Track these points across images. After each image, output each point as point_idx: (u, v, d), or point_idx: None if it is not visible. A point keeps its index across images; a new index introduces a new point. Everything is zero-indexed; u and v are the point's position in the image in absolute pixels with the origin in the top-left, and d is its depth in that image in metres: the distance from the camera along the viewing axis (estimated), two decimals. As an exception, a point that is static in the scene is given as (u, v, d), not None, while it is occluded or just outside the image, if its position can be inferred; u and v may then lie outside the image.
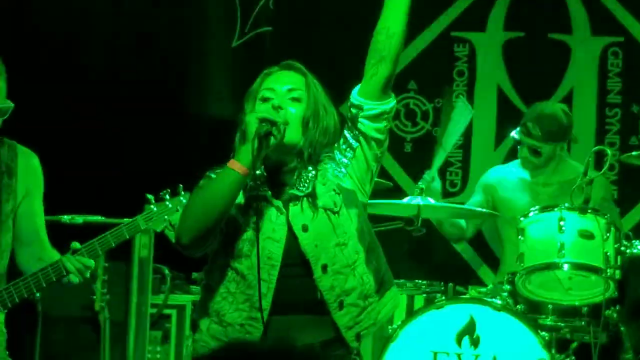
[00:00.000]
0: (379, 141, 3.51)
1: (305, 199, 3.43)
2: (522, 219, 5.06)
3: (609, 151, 5.18)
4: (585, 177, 5.04)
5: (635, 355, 5.07)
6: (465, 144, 6.60)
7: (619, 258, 4.92)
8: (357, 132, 3.50)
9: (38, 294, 4.03)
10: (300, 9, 6.61)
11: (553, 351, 4.88)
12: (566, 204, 4.98)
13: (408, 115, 6.64)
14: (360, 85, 3.52)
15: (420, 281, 5.56)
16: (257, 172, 3.42)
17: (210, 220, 3.33)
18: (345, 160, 3.51)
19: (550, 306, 5.05)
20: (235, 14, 6.59)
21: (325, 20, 6.58)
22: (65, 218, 5.13)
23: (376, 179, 3.62)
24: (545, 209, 5.06)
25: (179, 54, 6.55)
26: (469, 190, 6.55)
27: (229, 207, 3.35)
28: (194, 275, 5.71)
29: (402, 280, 5.48)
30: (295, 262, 3.42)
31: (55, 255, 3.94)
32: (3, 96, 3.86)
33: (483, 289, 5.37)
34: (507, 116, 6.55)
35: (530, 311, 5.05)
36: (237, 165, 3.32)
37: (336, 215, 3.44)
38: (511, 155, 6.23)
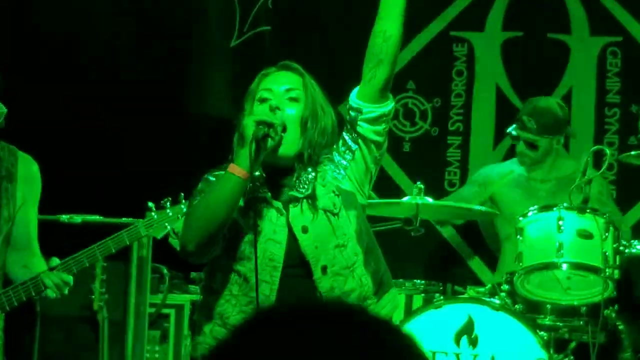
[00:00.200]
0: (378, 143, 3.51)
1: (305, 200, 3.44)
2: (520, 218, 5.06)
3: (607, 151, 5.18)
4: (584, 177, 5.04)
5: (634, 354, 5.07)
6: (464, 143, 6.60)
7: (617, 258, 4.92)
8: (356, 135, 3.50)
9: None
10: (299, 8, 6.61)
11: (551, 351, 4.89)
12: (565, 204, 4.98)
13: (407, 115, 6.64)
14: (358, 88, 3.52)
15: (418, 281, 5.56)
16: (256, 173, 3.42)
17: (215, 226, 3.33)
18: (344, 162, 3.52)
19: (548, 306, 5.05)
20: (234, 14, 6.59)
21: (324, 20, 6.58)
22: (64, 217, 5.13)
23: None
24: (543, 208, 5.06)
25: (179, 54, 6.55)
26: (468, 189, 6.55)
27: (232, 211, 3.35)
28: (193, 274, 5.71)
29: (400, 280, 5.48)
30: (296, 263, 3.42)
31: (41, 264, 3.97)
32: None
33: (481, 289, 5.37)
34: (505, 116, 6.55)
35: (529, 311, 5.05)
36: (237, 169, 3.32)
37: (335, 217, 3.45)
38: (510, 154, 6.24)
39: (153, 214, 4.03)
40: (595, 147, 5.45)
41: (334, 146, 3.54)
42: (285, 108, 3.44)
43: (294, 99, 3.47)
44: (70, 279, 3.91)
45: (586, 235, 4.91)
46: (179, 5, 6.55)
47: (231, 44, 6.60)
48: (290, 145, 3.42)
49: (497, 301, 4.99)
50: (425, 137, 6.64)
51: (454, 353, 4.89)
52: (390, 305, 3.58)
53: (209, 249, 3.39)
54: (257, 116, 3.37)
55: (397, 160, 6.59)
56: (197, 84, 6.60)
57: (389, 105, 3.50)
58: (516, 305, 5.04)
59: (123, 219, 4.75)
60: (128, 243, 4.02)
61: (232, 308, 3.44)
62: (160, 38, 6.49)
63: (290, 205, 3.44)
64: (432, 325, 4.92)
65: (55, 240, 4.29)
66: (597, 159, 5.47)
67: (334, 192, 3.47)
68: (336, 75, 6.30)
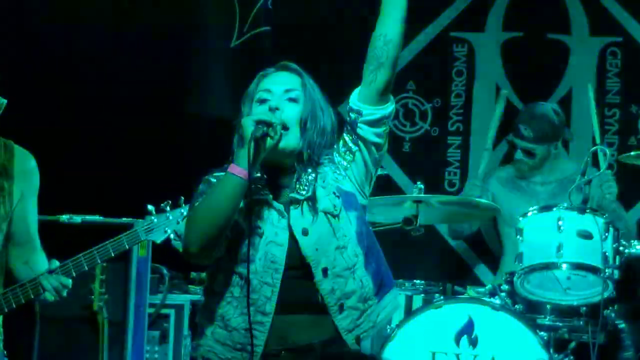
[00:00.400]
0: (378, 145, 3.51)
1: (305, 202, 3.44)
2: (520, 218, 5.06)
3: (607, 151, 5.18)
4: (583, 177, 5.05)
5: (636, 353, 5.08)
6: (464, 143, 6.60)
7: (617, 258, 4.92)
8: (356, 137, 3.50)
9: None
10: (299, 8, 6.61)
11: (551, 351, 4.89)
12: (565, 204, 4.98)
13: (406, 115, 6.64)
14: (358, 90, 3.52)
15: (418, 281, 5.56)
16: (257, 175, 3.42)
17: (217, 228, 3.33)
18: (344, 163, 3.52)
19: (548, 306, 5.06)
20: (234, 14, 6.59)
21: (324, 20, 6.57)
22: (64, 218, 5.13)
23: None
24: (543, 208, 5.06)
25: (179, 54, 6.55)
26: (468, 190, 6.55)
27: (234, 212, 3.35)
28: (193, 275, 5.71)
29: (400, 280, 5.48)
30: (297, 265, 3.42)
31: (42, 260, 3.96)
32: None
33: (481, 289, 5.37)
34: (505, 116, 6.55)
35: (529, 311, 5.05)
36: (237, 170, 3.32)
37: (336, 218, 3.45)
38: (509, 154, 6.24)
39: (153, 217, 4.02)
40: (595, 147, 5.45)
41: (335, 147, 3.54)
42: (284, 109, 3.44)
43: (293, 100, 3.47)
44: (69, 282, 3.91)
45: (586, 236, 4.91)
46: (179, 5, 6.55)
47: (231, 44, 6.60)
48: (289, 143, 3.42)
49: (497, 301, 4.99)
50: (425, 137, 6.64)
51: (454, 353, 4.89)
52: (391, 306, 3.58)
53: (212, 250, 3.38)
54: (256, 116, 3.37)
55: (397, 160, 6.59)
56: (197, 84, 6.60)
57: (389, 108, 3.50)
58: (516, 306, 5.04)
59: (123, 219, 4.75)
60: (127, 247, 4.01)
61: (234, 310, 3.44)
62: (160, 38, 6.49)
63: (291, 207, 3.44)
64: (432, 326, 4.92)
65: (55, 241, 4.28)
66: (597, 159, 5.46)
67: (334, 193, 3.47)
68: (335, 75, 6.30)
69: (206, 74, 6.61)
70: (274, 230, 3.42)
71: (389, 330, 4.88)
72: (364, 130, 3.49)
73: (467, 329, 4.91)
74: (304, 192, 3.44)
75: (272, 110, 3.41)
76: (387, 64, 3.45)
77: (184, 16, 6.55)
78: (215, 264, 3.50)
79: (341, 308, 3.42)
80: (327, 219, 3.44)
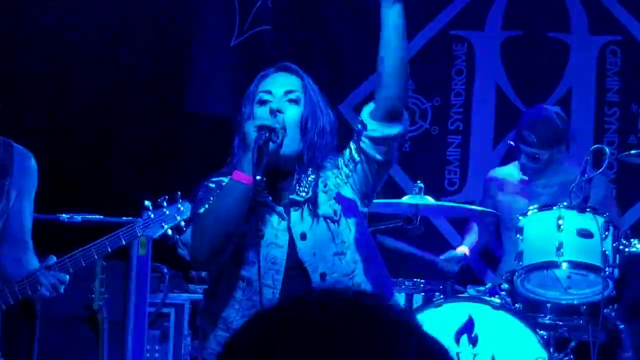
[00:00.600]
0: (379, 162, 3.50)
1: (306, 206, 3.43)
2: (520, 217, 5.05)
3: (607, 150, 5.17)
4: (583, 176, 5.04)
5: (635, 353, 5.07)
6: (464, 142, 6.60)
7: (617, 257, 4.92)
8: (359, 148, 3.49)
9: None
10: (299, 7, 6.60)
11: (551, 350, 4.88)
12: (565, 203, 4.97)
13: (406, 114, 6.63)
14: (370, 105, 3.51)
15: (418, 280, 5.55)
16: (257, 177, 3.42)
17: (225, 236, 3.34)
18: (347, 170, 3.52)
19: (548, 305, 5.05)
20: (234, 13, 6.59)
21: (324, 19, 6.57)
22: (64, 216, 5.12)
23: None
24: (543, 207, 5.06)
25: (179, 53, 6.55)
26: (468, 189, 6.55)
27: (242, 219, 3.35)
28: (192, 273, 5.70)
29: (400, 279, 5.47)
30: (297, 267, 3.43)
31: (33, 260, 3.96)
32: None
33: (481, 288, 5.37)
34: (505, 115, 6.56)
35: (529, 310, 5.05)
36: (243, 176, 3.32)
37: (335, 224, 3.45)
38: (509, 154, 6.24)
39: (150, 213, 4.02)
40: (595, 146, 5.44)
41: (342, 152, 3.54)
42: (285, 110, 3.44)
43: (293, 101, 3.47)
44: (66, 278, 3.90)
45: (586, 235, 4.91)
46: (179, 5, 6.54)
47: (231, 43, 6.59)
48: (291, 146, 3.42)
49: (497, 300, 4.99)
50: (425, 136, 6.64)
51: (454, 352, 4.88)
52: None
53: (220, 257, 3.39)
54: (258, 121, 3.36)
55: (397, 159, 6.58)
56: (197, 84, 6.60)
57: (395, 129, 3.47)
58: (516, 305, 5.04)
59: (123, 218, 4.74)
60: (124, 243, 4.00)
61: (235, 313, 3.44)
62: (160, 38, 6.49)
63: (292, 209, 3.44)
64: (432, 324, 4.91)
65: (56, 239, 4.28)
66: (597, 158, 5.46)
67: (335, 199, 3.47)
68: (336, 74, 6.31)
69: (206, 74, 6.61)
70: (274, 232, 3.42)
71: None
72: (367, 145, 3.48)
73: (467, 328, 4.91)
74: (303, 194, 3.44)
75: (273, 112, 3.40)
76: (391, 91, 3.42)
77: (184, 15, 6.55)
78: (217, 267, 3.50)
79: None
80: (327, 224, 3.44)
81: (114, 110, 6.43)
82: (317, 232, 3.42)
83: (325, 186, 3.46)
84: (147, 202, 4.04)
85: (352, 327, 1.41)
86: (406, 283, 5.51)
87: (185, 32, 6.57)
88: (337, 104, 6.01)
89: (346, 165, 3.51)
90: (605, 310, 4.91)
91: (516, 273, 4.99)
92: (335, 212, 3.44)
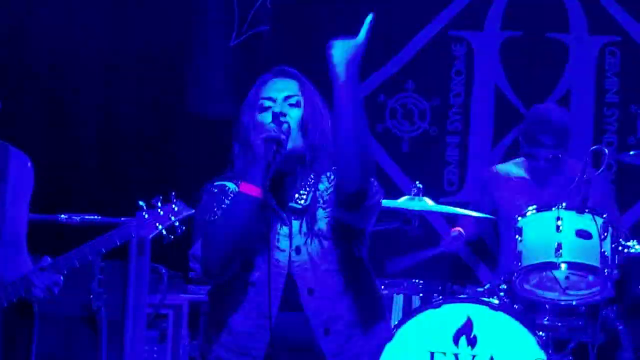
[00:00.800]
0: (353, 227, 3.49)
1: (304, 219, 3.44)
2: (519, 218, 5.05)
3: (606, 151, 5.17)
4: (583, 177, 5.04)
5: (635, 353, 5.07)
6: (463, 142, 6.60)
7: (616, 257, 4.92)
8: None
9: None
10: (298, 8, 6.60)
11: (550, 351, 4.88)
12: (564, 204, 4.97)
13: (405, 115, 6.64)
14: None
15: (417, 280, 5.55)
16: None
17: (238, 248, 3.36)
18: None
19: (547, 306, 5.05)
20: (233, 14, 6.58)
21: (323, 19, 6.57)
22: (63, 217, 5.12)
23: None
24: (542, 208, 5.05)
25: (178, 53, 6.54)
26: (467, 189, 6.55)
27: (253, 230, 3.36)
28: (191, 275, 5.70)
29: (399, 280, 5.47)
30: (290, 278, 3.44)
31: (27, 262, 3.96)
32: None
33: (480, 289, 5.36)
34: (504, 115, 6.56)
35: (528, 311, 5.05)
36: (252, 189, 3.33)
37: (328, 241, 3.45)
38: (508, 153, 6.24)
39: (144, 213, 4.01)
40: (594, 147, 5.43)
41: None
42: (287, 113, 3.45)
43: (294, 105, 3.48)
44: (60, 279, 3.90)
45: (585, 235, 4.91)
46: (178, 5, 6.54)
47: (230, 43, 6.59)
48: (294, 150, 3.43)
49: (495, 301, 4.99)
50: (424, 136, 6.64)
51: (453, 353, 4.88)
52: (380, 337, 3.55)
53: (232, 267, 3.40)
54: (265, 133, 3.37)
55: (396, 160, 6.59)
56: (195, 84, 6.60)
57: (361, 223, 3.44)
58: (515, 305, 5.03)
59: (122, 218, 4.74)
60: (118, 243, 4.00)
61: (238, 315, 3.44)
62: (159, 38, 6.48)
63: (292, 219, 3.45)
64: (430, 325, 4.92)
65: (53, 240, 4.28)
66: (596, 159, 5.46)
67: (331, 216, 3.47)
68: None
69: (206, 74, 6.61)
70: (276, 236, 3.43)
71: None
72: (338, 210, 3.46)
73: (466, 329, 4.90)
74: (302, 202, 3.45)
75: (277, 116, 3.41)
76: (343, 168, 3.34)
77: (183, 15, 6.55)
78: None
79: (327, 331, 3.42)
80: (320, 241, 3.44)
81: (113, 111, 6.42)
82: (311, 247, 3.43)
83: (323, 201, 3.47)
84: (140, 202, 4.03)
85: None
86: (405, 284, 5.51)
87: (185, 32, 6.57)
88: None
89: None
90: (604, 311, 4.90)
91: (515, 274, 4.99)
92: (329, 229, 3.45)
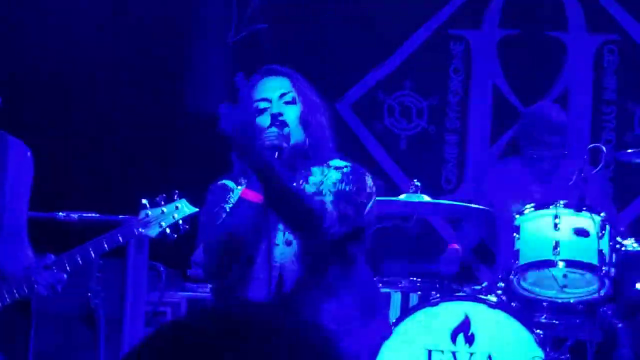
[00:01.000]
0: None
1: None
2: (517, 216, 5.05)
3: (604, 148, 5.17)
4: (580, 175, 5.04)
5: (631, 351, 5.08)
6: (461, 140, 6.60)
7: (614, 255, 4.92)
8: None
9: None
10: (296, 5, 6.60)
11: (548, 349, 4.88)
12: (561, 202, 4.97)
13: (403, 113, 6.64)
14: None
15: (415, 278, 5.55)
16: None
17: (240, 250, 3.41)
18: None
19: (545, 304, 5.05)
20: (231, 11, 6.58)
21: (321, 17, 6.57)
22: (60, 215, 5.12)
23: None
24: (540, 206, 5.05)
25: (176, 52, 6.54)
26: (465, 187, 6.55)
27: (254, 233, 3.38)
28: (189, 272, 5.70)
29: (397, 278, 5.48)
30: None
31: (29, 256, 3.95)
32: None
33: (478, 287, 5.37)
34: (502, 114, 6.56)
35: (525, 309, 5.05)
36: (255, 196, 3.35)
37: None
38: (507, 152, 6.24)
39: (148, 211, 4.00)
40: (592, 144, 5.43)
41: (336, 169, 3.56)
42: (285, 111, 3.45)
43: (290, 102, 3.49)
44: (63, 277, 3.90)
45: (583, 233, 4.91)
46: (177, 5, 6.54)
47: (229, 41, 6.59)
48: (296, 145, 3.44)
49: (493, 299, 4.99)
50: (422, 134, 6.64)
51: (451, 351, 4.88)
52: (377, 335, 3.56)
53: (234, 268, 3.42)
54: (266, 141, 3.37)
55: (394, 157, 6.59)
56: (194, 83, 6.60)
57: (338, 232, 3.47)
58: (512, 303, 5.04)
59: (120, 216, 4.74)
60: (122, 242, 3.99)
61: None
62: (159, 37, 6.48)
63: None
64: (428, 323, 4.92)
65: (52, 238, 4.28)
66: (594, 157, 5.46)
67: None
68: (332, 71, 6.30)
69: (204, 71, 6.61)
70: (273, 232, 3.45)
71: None
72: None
73: (464, 327, 4.90)
74: None
75: (275, 118, 3.42)
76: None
77: (182, 14, 6.55)
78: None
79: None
80: None
81: (112, 109, 6.42)
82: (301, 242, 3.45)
83: (315, 192, 3.47)
84: (144, 200, 4.03)
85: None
86: (402, 282, 5.52)
87: (184, 30, 6.57)
88: (334, 102, 6.02)
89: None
90: (601, 309, 4.91)
91: (513, 272, 4.99)
92: None
